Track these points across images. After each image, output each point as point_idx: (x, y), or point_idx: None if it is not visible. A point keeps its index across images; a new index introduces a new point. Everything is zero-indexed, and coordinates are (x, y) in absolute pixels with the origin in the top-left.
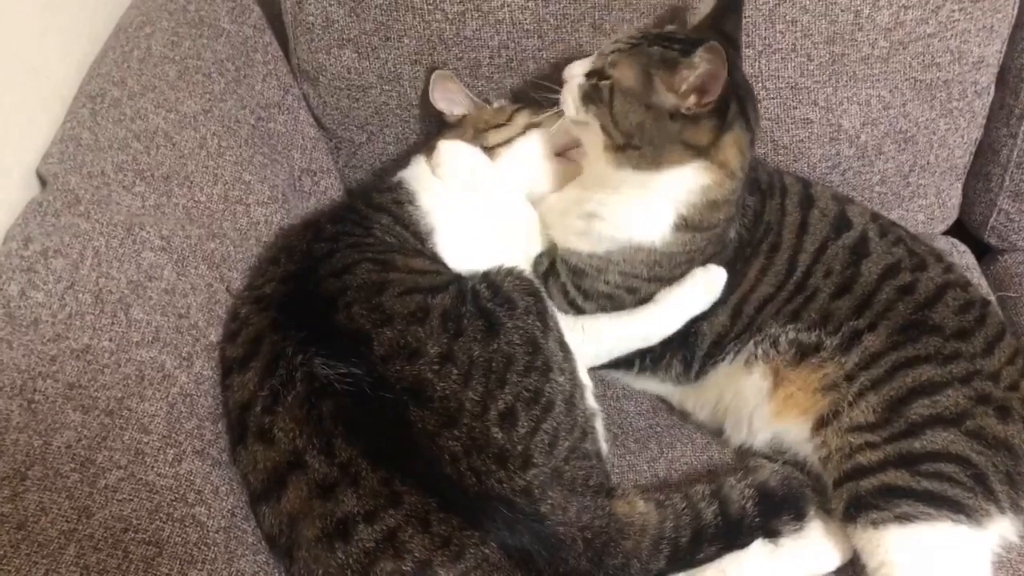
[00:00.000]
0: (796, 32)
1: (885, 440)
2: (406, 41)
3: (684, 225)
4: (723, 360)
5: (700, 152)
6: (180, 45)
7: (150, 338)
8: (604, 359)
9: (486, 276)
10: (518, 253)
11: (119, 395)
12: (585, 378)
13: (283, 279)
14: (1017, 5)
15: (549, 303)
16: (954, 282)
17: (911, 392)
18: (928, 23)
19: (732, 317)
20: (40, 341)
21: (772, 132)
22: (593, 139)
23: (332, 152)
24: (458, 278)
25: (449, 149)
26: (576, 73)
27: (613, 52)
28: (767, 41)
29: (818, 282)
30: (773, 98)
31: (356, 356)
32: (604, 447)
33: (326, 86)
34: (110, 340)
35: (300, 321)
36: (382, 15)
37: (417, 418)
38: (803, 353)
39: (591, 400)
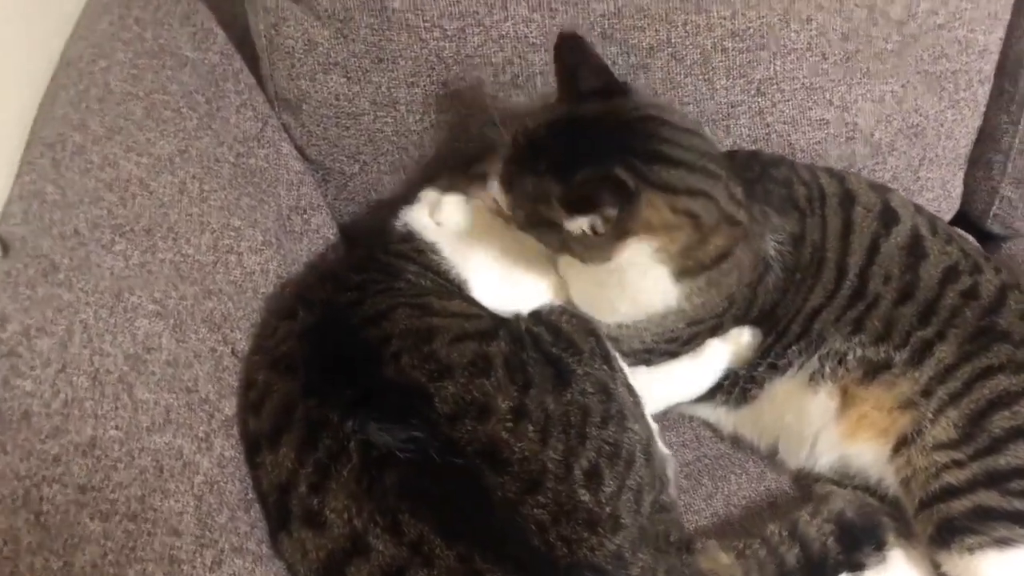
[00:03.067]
0: (811, 31)
1: (971, 457)
2: (401, 62)
3: (683, 272)
4: (781, 374)
5: (623, 234)
6: (142, 79)
7: (161, 421)
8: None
9: (539, 317)
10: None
11: (139, 493)
12: (651, 421)
13: (302, 335)
14: None
15: (608, 342)
16: (1011, 284)
17: (990, 404)
18: (938, 14)
19: (778, 336)
20: (37, 439)
21: (788, 136)
22: None
23: (320, 185)
24: (502, 320)
25: (451, 212)
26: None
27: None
28: (782, 42)
29: (878, 288)
30: (788, 100)
31: (415, 417)
32: (675, 494)
33: (310, 114)
34: (117, 428)
35: (339, 381)
36: (373, 35)
37: (495, 485)
38: (874, 371)
39: (662, 445)
